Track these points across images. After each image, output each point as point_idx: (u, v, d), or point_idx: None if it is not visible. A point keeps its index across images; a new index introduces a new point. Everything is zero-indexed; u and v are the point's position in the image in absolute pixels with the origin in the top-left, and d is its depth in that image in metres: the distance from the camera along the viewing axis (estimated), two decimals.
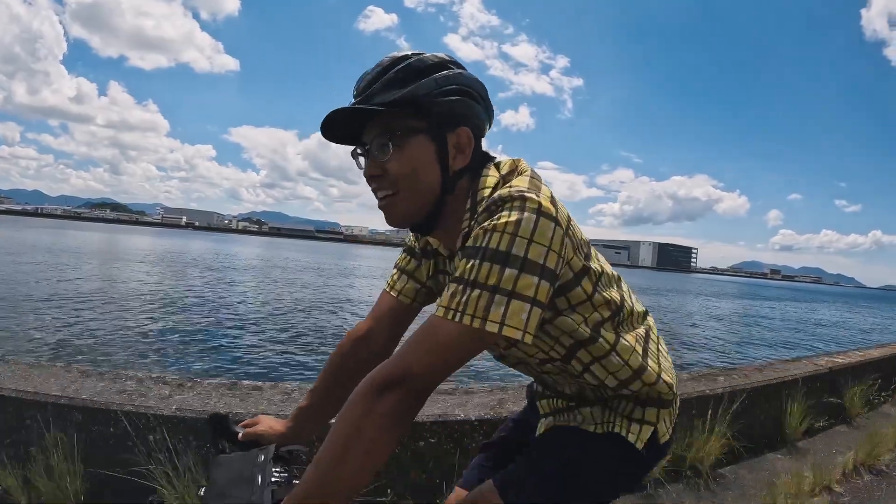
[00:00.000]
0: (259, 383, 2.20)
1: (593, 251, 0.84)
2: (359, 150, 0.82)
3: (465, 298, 0.67)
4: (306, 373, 6.88)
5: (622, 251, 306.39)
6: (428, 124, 0.78)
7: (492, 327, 0.66)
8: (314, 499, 0.62)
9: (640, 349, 0.87)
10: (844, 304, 55.16)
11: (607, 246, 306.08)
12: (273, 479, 0.78)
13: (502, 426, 1.16)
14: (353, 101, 0.80)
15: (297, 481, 0.69)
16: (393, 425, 0.65)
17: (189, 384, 2.11)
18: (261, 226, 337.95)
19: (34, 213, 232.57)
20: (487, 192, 0.78)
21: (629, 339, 0.86)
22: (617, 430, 0.88)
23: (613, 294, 0.84)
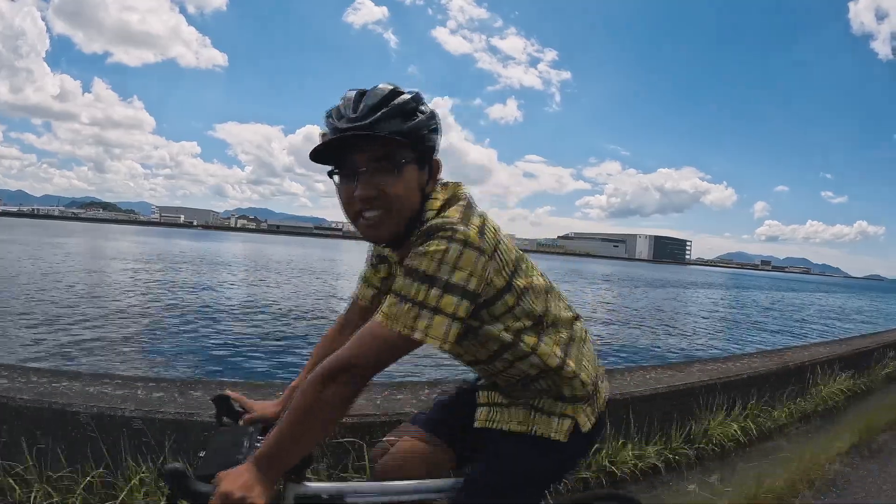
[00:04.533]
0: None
1: (528, 265, 1.01)
2: (337, 171, 0.93)
3: (398, 310, 0.83)
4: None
5: (620, 244, 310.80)
6: (417, 155, 0.93)
7: (418, 335, 0.82)
8: (273, 457, 0.82)
9: (559, 352, 1.02)
10: (859, 294, 59.77)
11: (605, 240, 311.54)
12: (256, 445, 0.96)
13: (451, 388, 1.38)
14: (338, 121, 0.90)
15: None
16: (336, 408, 0.83)
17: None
18: (258, 223, 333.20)
19: (31, 215, 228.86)
20: (432, 214, 0.93)
21: (549, 342, 1.01)
22: (539, 429, 1.04)
23: (537, 305, 1.00)
